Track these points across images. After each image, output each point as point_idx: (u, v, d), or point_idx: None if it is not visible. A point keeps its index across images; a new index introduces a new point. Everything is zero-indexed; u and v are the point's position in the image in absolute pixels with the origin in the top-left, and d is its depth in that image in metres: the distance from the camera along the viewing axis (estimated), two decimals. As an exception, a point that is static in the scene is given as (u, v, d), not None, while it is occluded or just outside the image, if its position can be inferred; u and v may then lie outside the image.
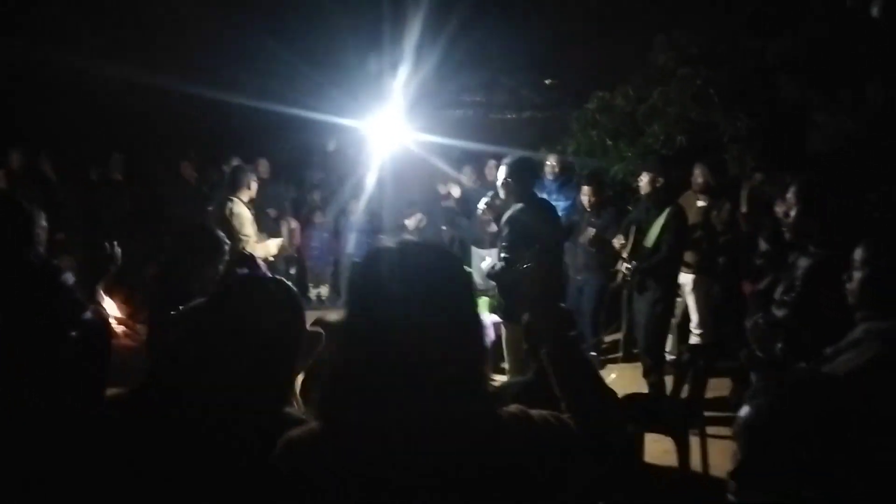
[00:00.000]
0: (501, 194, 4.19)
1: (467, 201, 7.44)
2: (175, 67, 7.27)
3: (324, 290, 7.77)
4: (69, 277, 2.33)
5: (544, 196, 4.91)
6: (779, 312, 2.49)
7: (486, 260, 5.40)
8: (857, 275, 1.95)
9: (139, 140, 7.92)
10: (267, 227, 6.05)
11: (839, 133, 5.00)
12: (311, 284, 7.67)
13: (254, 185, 5.04)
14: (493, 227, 4.35)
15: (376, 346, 1.10)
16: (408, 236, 1.24)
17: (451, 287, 1.15)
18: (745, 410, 1.25)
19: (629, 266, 4.69)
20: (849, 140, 4.96)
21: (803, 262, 2.49)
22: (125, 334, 4.83)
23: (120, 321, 4.95)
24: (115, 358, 2.62)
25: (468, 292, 1.21)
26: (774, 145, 5.46)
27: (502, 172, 4.13)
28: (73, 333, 2.22)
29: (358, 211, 6.88)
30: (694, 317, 5.38)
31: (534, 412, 1.18)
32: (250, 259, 3.11)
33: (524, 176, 4.12)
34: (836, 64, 5.20)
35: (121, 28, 8.09)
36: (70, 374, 2.03)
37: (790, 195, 2.56)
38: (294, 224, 7.31)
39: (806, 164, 5.05)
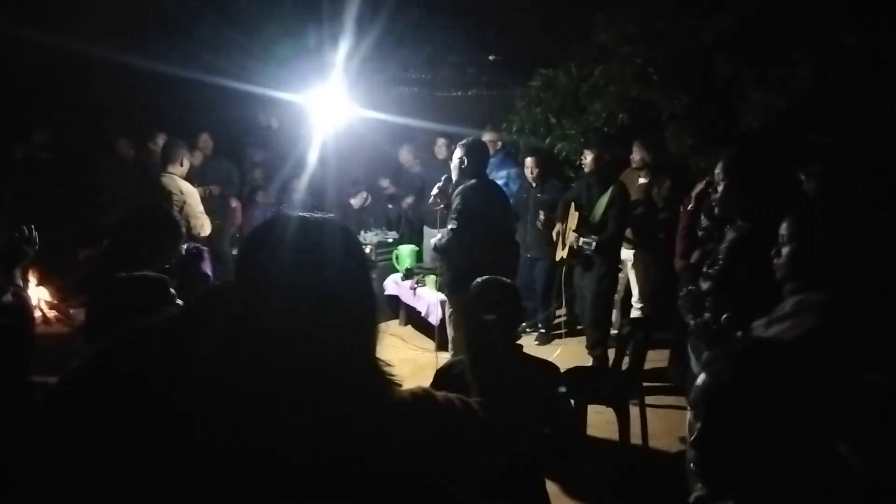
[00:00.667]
0: (454, 174, 4.29)
1: (410, 179, 7.41)
2: (105, 37, 6.90)
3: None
4: (-15, 261, 2.21)
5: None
6: (704, 284, 2.57)
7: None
8: (784, 249, 1.98)
9: (67, 116, 7.53)
10: (212, 205, 5.89)
11: (770, 110, 5.17)
12: None
13: (186, 162, 4.90)
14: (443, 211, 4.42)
15: (259, 312, 1.06)
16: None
17: (344, 260, 1.12)
18: (701, 379, 1.28)
19: (587, 241, 4.75)
20: (779, 116, 5.13)
21: (729, 235, 2.57)
22: (57, 319, 4.65)
23: (52, 306, 4.76)
24: (48, 343, 2.53)
25: (363, 268, 1.18)
26: (709, 122, 5.60)
27: (458, 153, 4.24)
28: (-7, 317, 2.12)
29: (301, 189, 6.74)
30: (635, 291, 5.54)
31: (440, 394, 1.16)
32: (196, 255, 3.03)
33: (478, 158, 4.27)
34: (768, 42, 5.36)
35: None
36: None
37: (717, 170, 2.63)
38: (235, 203, 7.11)
39: (739, 140, 5.21)
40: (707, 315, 2.29)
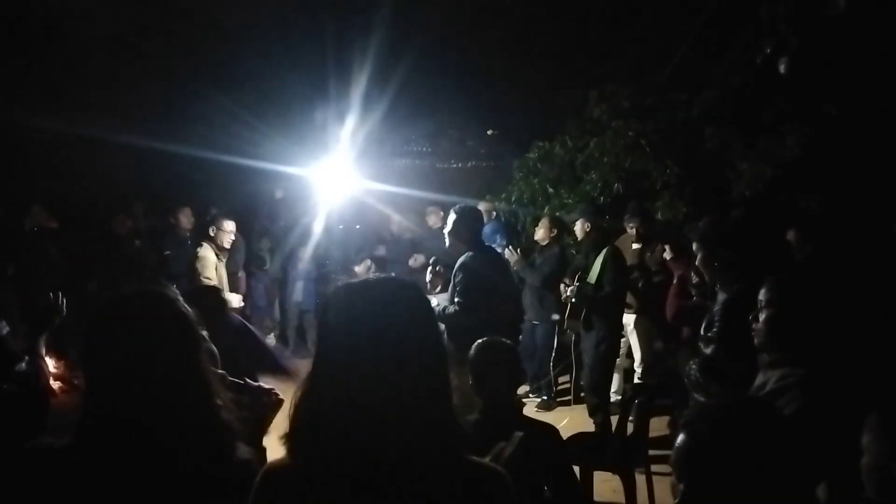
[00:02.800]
0: (447, 241, 4.22)
1: (399, 246, 7.54)
2: (116, 120, 7.21)
3: (270, 340, 7.64)
4: (3, 327, 2.27)
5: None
6: (707, 349, 2.59)
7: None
8: (761, 315, 1.90)
9: (77, 193, 7.73)
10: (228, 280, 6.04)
11: (759, 178, 5.35)
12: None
13: (221, 235, 5.08)
14: (437, 290, 4.34)
15: (348, 382, 1.09)
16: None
17: (415, 317, 1.15)
18: (681, 439, 1.24)
19: (571, 288, 4.82)
20: (767, 184, 5.31)
21: (720, 297, 2.63)
22: (62, 390, 4.65)
23: (56, 377, 4.77)
24: (52, 414, 2.52)
25: (432, 321, 1.21)
26: (701, 191, 5.80)
27: (451, 221, 4.16)
28: (5, 386, 2.16)
29: (305, 259, 6.86)
30: (636, 355, 5.55)
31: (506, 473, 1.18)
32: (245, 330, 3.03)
33: (472, 224, 4.17)
34: (755, 115, 5.61)
35: (57, 81, 7.98)
36: (2, 426, 1.96)
37: (697, 238, 2.75)
38: (241, 273, 7.22)
39: (730, 207, 5.37)
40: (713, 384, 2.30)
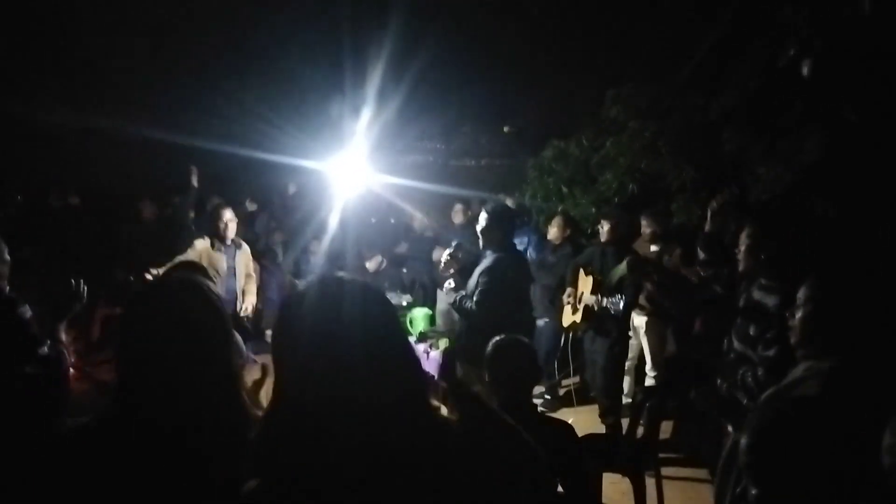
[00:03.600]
0: (481, 240, 4.09)
1: (422, 244, 7.55)
2: (133, 112, 7.26)
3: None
4: (26, 311, 2.29)
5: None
6: (768, 352, 2.56)
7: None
8: (798, 312, 1.95)
9: (94, 185, 7.79)
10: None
11: (777, 183, 5.30)
12: (267, 329, 7.56)
13: (220, 225, 5.04)
14: (452, 280, 4.23)
15: (310, 386, 1.09)
16: (348, 276, 1.23)
17: (375, 320, 1.15)
18: (745, 440, 1.26)
19: (613, 301, 4.70)
20: (786, 189, 5.27)
21: (771, 300, 2.62)
22: (75, 377, 4.68)
23: (70, 364, 4.80)
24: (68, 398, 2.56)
25: (394, 324, 1.20)
26: (719, 195, 5.74)
27: (483, 219, 4.03)
28: (28, 369, 2.18)
29: (319, 253, 6.88)
30: (648, 358, 5.53)
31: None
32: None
33: (505, 224, 4.04)
34: (774, 118, 5.56)
35: (77, 75, 8.05)
36: (24, 409, 1.98)
37: (743, 236, 2.75)
38: (253, 266, 7.25)
39: (748, 212, 5.32)
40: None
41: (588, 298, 4.91)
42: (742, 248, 2.78)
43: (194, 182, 6.41)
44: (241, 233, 5.50)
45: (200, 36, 7.87)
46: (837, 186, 5.11)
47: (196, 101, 8.05)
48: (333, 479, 1.05)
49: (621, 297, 4.67)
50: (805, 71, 4.41)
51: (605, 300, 4.76)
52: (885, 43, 4.31)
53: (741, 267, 2.81)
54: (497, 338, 2.46)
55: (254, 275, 5.46)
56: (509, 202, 6.17)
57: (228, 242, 5.12)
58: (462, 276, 4.09)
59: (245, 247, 5.33)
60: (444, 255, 4.23)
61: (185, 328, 1.29)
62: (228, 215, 5.13)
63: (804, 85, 4.73)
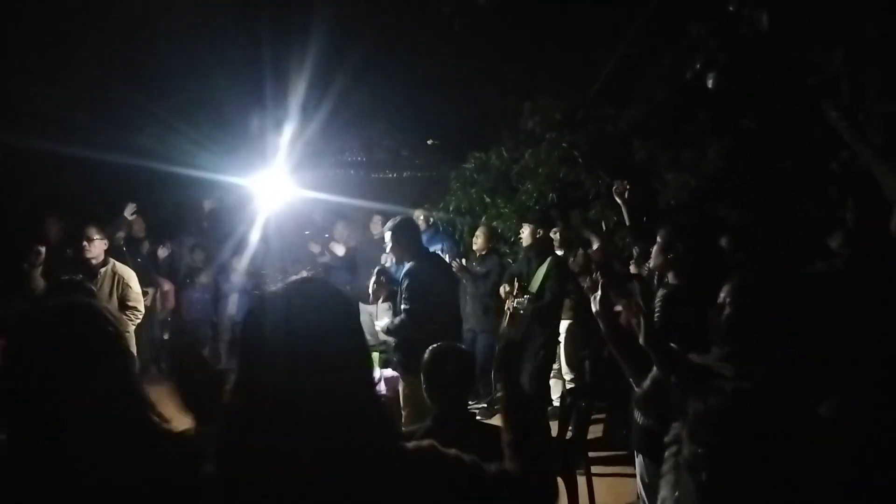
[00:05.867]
0: (391, 258, 4.27)
1: (348, 257, 7.48)
2: (36, 124, 6.81)
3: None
4: None
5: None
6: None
7: (376, 319, 5.40)
8: (724, 311, 1.98)
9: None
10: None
11: (683, 188, 5.64)
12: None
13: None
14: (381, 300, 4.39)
15: (266, 393, 1.10)
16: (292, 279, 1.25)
17: (336, 320, 1.17)
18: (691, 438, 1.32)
19: (520, 300, 4.83)
20: (692, 193, 5.60)
21: (660, 292, 2.80)
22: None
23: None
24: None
25: (354, 324, 1.22)
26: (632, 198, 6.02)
27: (388, 238, 4.15)
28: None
29: (239, 270, 6.67)
30: (563, 361, 5.67)
31: (447, 450, 1.19)
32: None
33: (410, 233, 4.19)
34: (679, 129, 5.91)
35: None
36: None
37: (658, 238, 2.88)
38: (168, 286, 6.94)
39: (658, 215, 5.63)
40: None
41: (510, 304, 5.03)
42: (655, 248, 2.92)
43: (127, 214, 6.12)
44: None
45: (104, 41, 7.48)
46: (738, 192, 5.49)
47: (105, 114, 7.64)
48: (282, 468, 1.07)
49: (526, 298, 4.83)
50: (710, 84, 4.71)
51: (515, 301, 4.90)
52: (781, 57, 4.67)
53: (652, 264, 2.94)
54: (434, 345, 2.47)
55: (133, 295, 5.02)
56: (418, 213, 6.22)
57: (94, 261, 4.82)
58: (393, 298, 4.16)
59: (121, 267, 4.99)
60: (371, 285, 4.26)
61: (78, 352, 1.23)
62: (95, 235, 4.83)
63: (708, 96, 5.06)
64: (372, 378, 1.21)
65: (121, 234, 6.27)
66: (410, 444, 1.18)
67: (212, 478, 1.12)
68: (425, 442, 1.19)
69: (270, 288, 1.23)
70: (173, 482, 1.20)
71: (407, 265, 4.13)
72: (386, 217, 6.90)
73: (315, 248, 7.66)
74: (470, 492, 1.17)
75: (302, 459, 1.08)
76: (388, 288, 4.20)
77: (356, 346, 1.19)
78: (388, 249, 4.21)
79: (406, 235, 4.15)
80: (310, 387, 1.09)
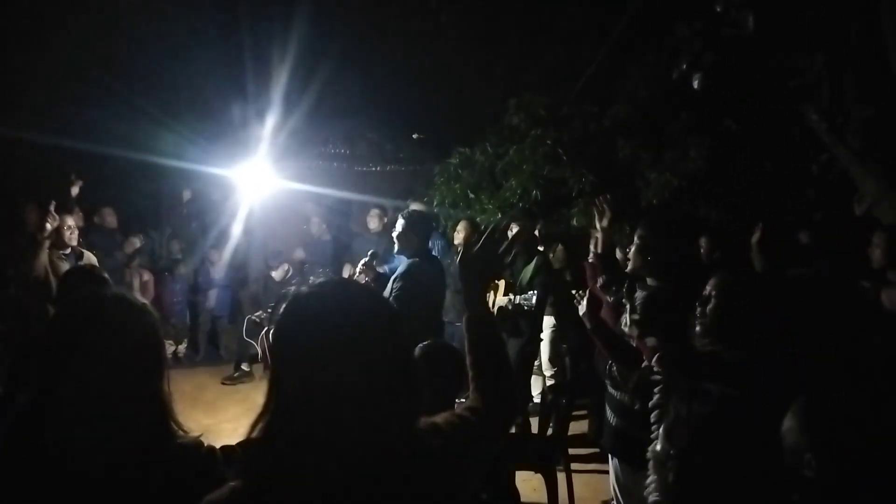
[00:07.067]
0: (396, 245, 4.09)
1: (322, 248, 7.45)
2: (14, 113, 6.66)
3: (181, 348, 7.28)
4: None
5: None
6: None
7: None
8: (709, 306, 2.04)
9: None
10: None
11: (665, 188, 5.69)
12: (169, 342, 7.00)
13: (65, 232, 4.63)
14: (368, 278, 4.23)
15: (310, 392, 1.06)
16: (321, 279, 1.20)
17: (375, 323, 1.12)
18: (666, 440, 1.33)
19: (525, 297, 4.85)
20: (674, 193, 5.67)
21: (639, 294, 2.78)
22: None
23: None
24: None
25: (398, 324, 1.17)
26: (614, 199, 6.06)
27: (400, 225, 4.03)
28: None
29: (220, 263, 6.60)
30: (544, 357, 5.70)
31: (438, 419, 1.19)
32: None
33: (422, 230, 4.06)
34: (661, 128, 5.97)
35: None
36: None
37: (636, 237, 2.89)
38: (147, 276, 6.85)
39: (640, 214, 5.68)
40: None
41: (501, 300, 5.04)
42: (632, 248, 2.92)
43: (73, 192, 5.96)
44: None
45: (87, 34, 7.33)
46: (719, 191, 5.57)
47: (84, 103, 7.49)
48: (319, 487, 1.03)
49: (533, 294, 4.82)
50: (696, 84, 4.75)
51: (517, 298, 4.90)
52: (763, 60, 4.73)
53: (629, 266, 2.91)
54: (423, 343, 2.46)
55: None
56: (418, 206, 6.20)
57: (69, 251, 4.76)
58: (378, 284, 4.09)
59: (88, 255, 4.94)
60: (359, 265, 4.21)
61: (121, 348, 1.22)
62: (70, 221, 4.78)
63: (691, 96, 5.10)
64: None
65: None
66: (422, 431, 1.15)
67: (240, 491, 1.06)
68: (424, 423, 1.17)
69: (301, 288, 1.15)
70: (181, 490, 1.18)
71: (408, 261, 3.99)
72: (383, 211, 6.92)
73: (299, 253, 7.57)
74: (466, 449, 1.20)
75: (328, 478, 1.04)
76: (376, 273, 4.15)
77: (406, 355, 1.17)
78: (395, 234, 4.07)
79: (420, 228, 4.04)
80: (357, 393, 1.06)
